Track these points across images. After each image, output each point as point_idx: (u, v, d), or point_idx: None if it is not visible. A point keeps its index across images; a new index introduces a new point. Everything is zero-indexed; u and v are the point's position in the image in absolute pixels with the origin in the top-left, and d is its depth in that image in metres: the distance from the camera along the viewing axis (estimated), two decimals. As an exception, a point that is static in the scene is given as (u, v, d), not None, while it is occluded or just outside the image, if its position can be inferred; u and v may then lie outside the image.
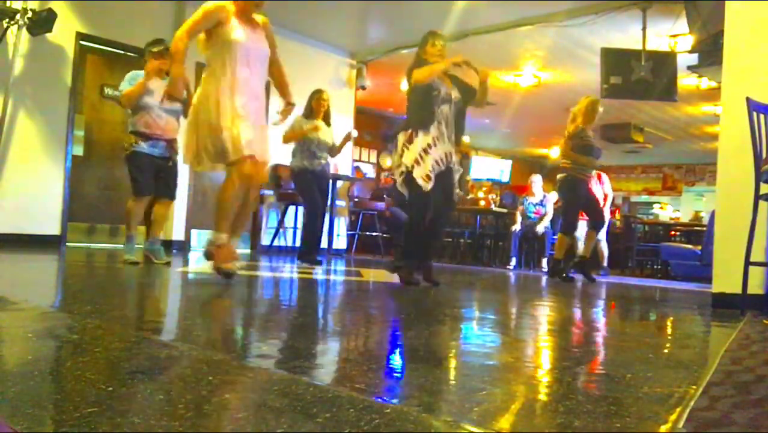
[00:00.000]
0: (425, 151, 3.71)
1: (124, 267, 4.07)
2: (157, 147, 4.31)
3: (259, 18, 3.44)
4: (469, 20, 6.81)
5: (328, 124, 5.61)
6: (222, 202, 3.31)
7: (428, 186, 3.69)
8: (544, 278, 6.15)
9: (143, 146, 4.25)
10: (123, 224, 4.49)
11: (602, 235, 7.56)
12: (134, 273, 3.86)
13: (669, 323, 3.01)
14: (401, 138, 3.81)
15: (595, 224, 5.76)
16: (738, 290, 3.03)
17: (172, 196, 4.51)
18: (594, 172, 7.43)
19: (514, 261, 7.83)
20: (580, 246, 7.35)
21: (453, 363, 1.67)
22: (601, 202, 7.44)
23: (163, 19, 6.72)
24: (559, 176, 5.48)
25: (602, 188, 7.49)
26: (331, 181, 7.67)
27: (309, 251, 5.64)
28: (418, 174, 3.68)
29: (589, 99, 5.45)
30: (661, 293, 5.14)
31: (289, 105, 3.69)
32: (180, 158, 4.29)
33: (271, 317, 2.46)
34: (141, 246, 4.55)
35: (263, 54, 3.39)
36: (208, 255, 3.34)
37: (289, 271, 4.86)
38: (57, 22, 5.59)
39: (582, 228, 7.33)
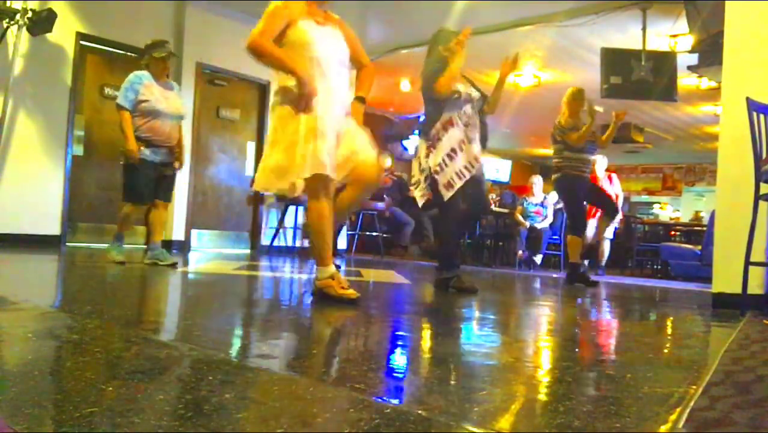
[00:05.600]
0: (449, 156, 3.47)
1: (118, 267, 4.06)
2: (158, 154, 4.28)
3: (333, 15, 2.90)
4: (469, 20, 6.75)
5: None
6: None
7: (447, 195, 3.48)
8: (542, 278, 6.15)
9: (146, 153, 4.20)
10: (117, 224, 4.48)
11: (609, 234, 7.54)
12: (134, 273, 3.86)
13: (669, 323, 3.01)
14: (423, 144, 3.60)
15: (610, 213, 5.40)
16: (738, 290, 3.03)
17: (170, 200, 4.55)
18: (605, 172, 7.44)
19: (520, 254, 7.87)
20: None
21: (453, 363, 1.67)
22: None
23: (163, 19, 6.72)
24: (554, 176, 5.08)
25: (613, 189, 7.49)
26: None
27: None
28: (441, 181, 3.47)
29: (571, 90, 5.24)
30: (661, 293, 5.13)
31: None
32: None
33: (271, 317, 2.46)
34: (132, 246, 4.57)
35: (343, 54, 2.83)
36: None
37: (289, 271, 4.86)
38: (57, 22, 5.59)
39: (590, 227, 7.34)
